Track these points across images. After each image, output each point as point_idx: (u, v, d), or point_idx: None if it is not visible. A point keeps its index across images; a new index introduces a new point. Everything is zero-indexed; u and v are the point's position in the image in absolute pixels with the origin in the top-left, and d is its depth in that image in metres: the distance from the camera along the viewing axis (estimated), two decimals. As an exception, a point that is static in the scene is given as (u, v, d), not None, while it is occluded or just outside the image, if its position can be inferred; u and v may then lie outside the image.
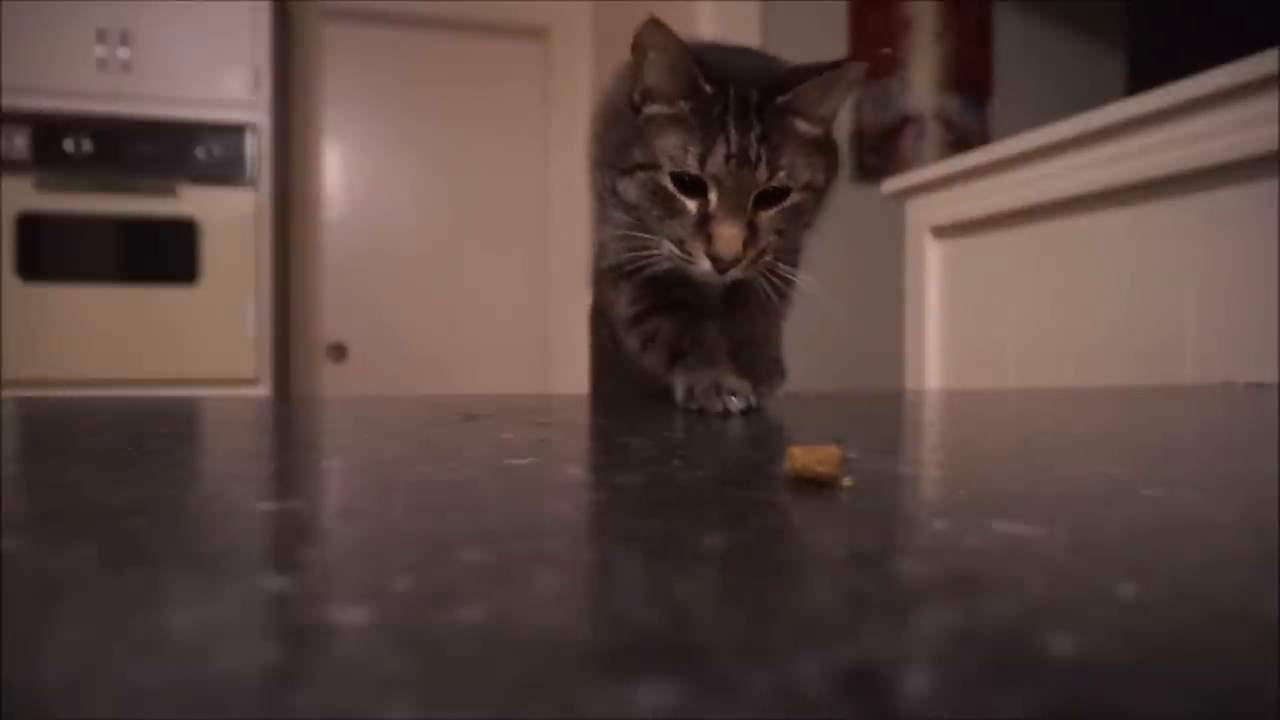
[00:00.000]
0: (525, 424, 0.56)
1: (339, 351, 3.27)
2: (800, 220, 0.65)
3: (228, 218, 2.76)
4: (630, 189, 0.64)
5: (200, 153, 2.75)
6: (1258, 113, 1.23)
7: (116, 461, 0.39)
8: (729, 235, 0.61)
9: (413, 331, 3.29)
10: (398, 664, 0.15)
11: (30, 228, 2.62)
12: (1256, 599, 0.21)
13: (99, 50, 2.67)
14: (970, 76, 2.59)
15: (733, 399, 0.64)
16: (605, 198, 0.69)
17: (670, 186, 0.61)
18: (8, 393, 2.33)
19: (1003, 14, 2.64)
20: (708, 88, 0.60)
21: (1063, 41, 2.68)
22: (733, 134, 0.60)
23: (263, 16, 2.80)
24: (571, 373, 3.31)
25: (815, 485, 0.33)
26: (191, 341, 2.74)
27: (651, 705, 0.14)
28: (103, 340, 2.68)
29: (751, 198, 0.61)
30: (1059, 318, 1.57)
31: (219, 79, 2.78)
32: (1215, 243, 1.31)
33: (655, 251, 0.64)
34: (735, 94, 0.61)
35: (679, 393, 0.68)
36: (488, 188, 3.36)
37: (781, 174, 0.61)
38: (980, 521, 0.28)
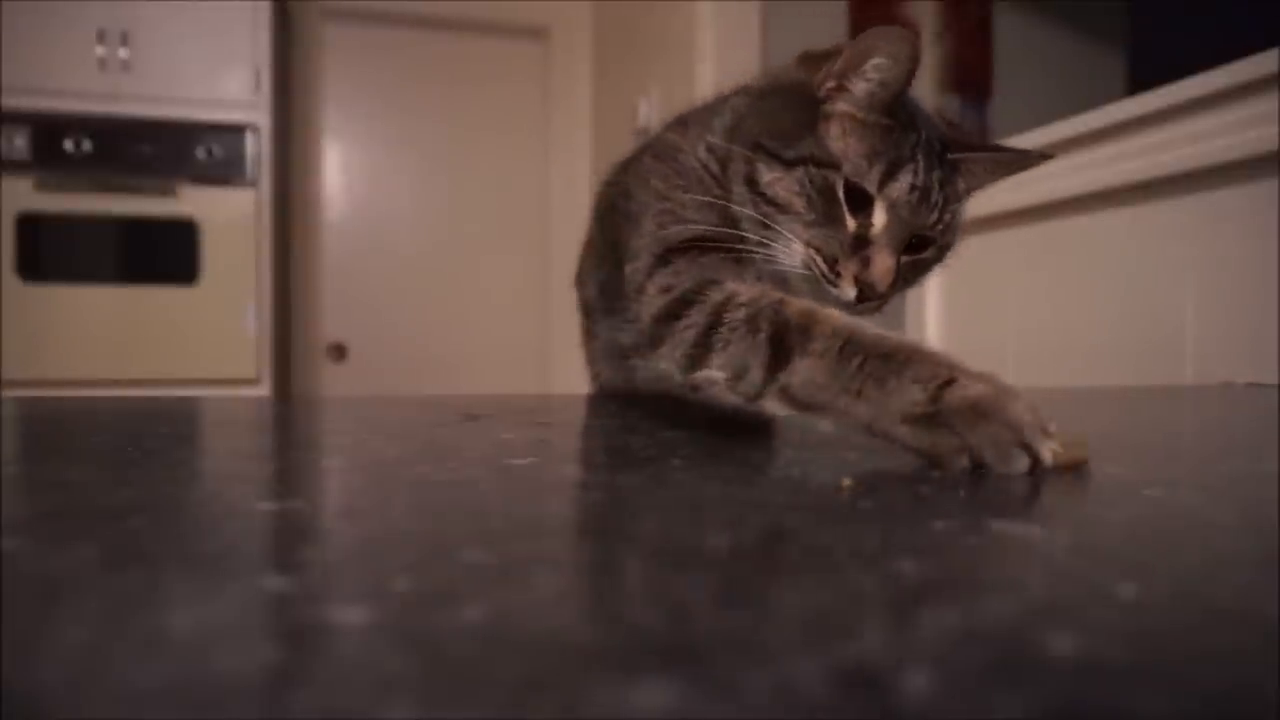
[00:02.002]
0: (525, 424, 0.56)
1: (339, 351, 3.27)
2: (916, 278, 0.61)
3: (228, 218, 2.76)
4: (784, 180, 0.57)
5: (200, 153, 2.75)
6: (1258, 113, 1.23)
7: (116, 461, 0.39)
8: (887, 266, 0.55)
9: (413, 331, 3.29)
10: (398, 664, 0.15)
11: (30, 228, 2.62)
12: (1256, 599, 0.21)
13: (99, 50, 2.67)
14: (970, 76, 2.59)
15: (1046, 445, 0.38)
16: (716, 164, 0.62)
17: (841, 193, 0.55)
18: (8, 393, 2.33)
19: (1003, 14, 2.64)
20: (905, 115, 0.58)
21: (1063, 41, 2.68)
22: (920, 166, 0.56)
23: (263, 16, 2.80)
24: (571, 373, 3.30)
25: (1066, 468, 0.37)
26: (191, 341, 2.74)
27: (651, 705, 0.14)
28: (103, 340, 2.68)
29: (910, 236, 0.57)
30: (1059, 317, 1.57)
31: (219, 79, 2.78)
32: (1215, 243, 1.31)
33: (773, 248, 0.57)
34: (925, 131, 0.58)
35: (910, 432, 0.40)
36: (488, 188, 3.36)
37: (942, 225, 0.58)
38: (980, 521, 0.28)
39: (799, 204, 0.56)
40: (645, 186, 0.67)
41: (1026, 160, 0.62)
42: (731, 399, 0.48)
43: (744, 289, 0.50)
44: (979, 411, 0.37)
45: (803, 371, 0.44)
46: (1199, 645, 0.18)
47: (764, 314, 0.47)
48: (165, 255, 2.73)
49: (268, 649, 0.17)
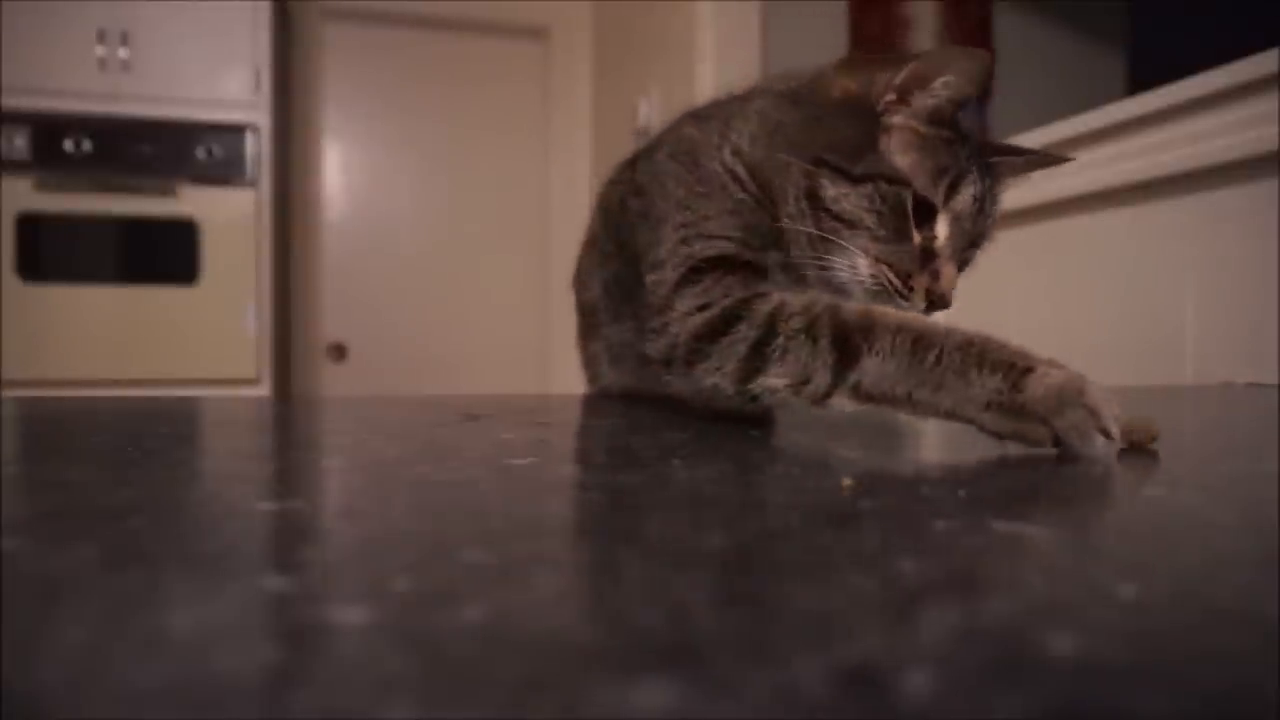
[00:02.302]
0: (525, 424, 0.56)
1: (339, 351, 3.27)
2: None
3: (228, 218, 2.76)
4: (851, 196, 0.56)
5: (200, 153, 2.75)
6: (1258, 113, 1.23)
7: (116, 461, 0.39)
8: (953, 277, 0.57)
9: (413, 331, 3.29)
10: (398, 664, 0.15)
11: (30, 228, 2.62)
12: (1256, 599, 0.21)
13: (99, 50, 2.67)
14: (970, 76, 2.59)
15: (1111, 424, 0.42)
16: (778, 183, 0.60)
17: (910, 209, 0.56)
18: (8, 393, 2.33)
19: (1003, 14, 2.64)
20: (958, 124, 0.58)
21: (1063, 41, 2.68)
22: (975, 176, 0.58)
23: (263, 16, 2.80)
24: (571, 373, 3.30)
25: (1135, 446, 0.43)
26: (191, 341, 2.74)
27: (651, 705, 0.14)
28: (103, 340, 2.68)
29: (968, 244, 0.59)
30: (1059, 317, 1.57)
31: (219, 79, 2.78)
32: (1215, 243, 1.31)
33: (833, 263, 0.57)
34: (971, 138, 0.59)
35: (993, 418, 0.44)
36: (488, 188, 3.36)
37: (989, 228, 0.60)
38: (980, 521, 0.28)
39: (869, 220, 0.56)
40: (663, 190, 0.66)
41: (1046, 161, 0.64)
42: (796, 403, 0.51)
43: (792, 298, 0.53)
44: (1062, 399, 0.42)
45: (874, 368, 0.47)
46: (1199, 645, 0.18)
47: (821, 319, 0.50)
48: (165, 255, 2.73)
49: (268, 649, 0.17)
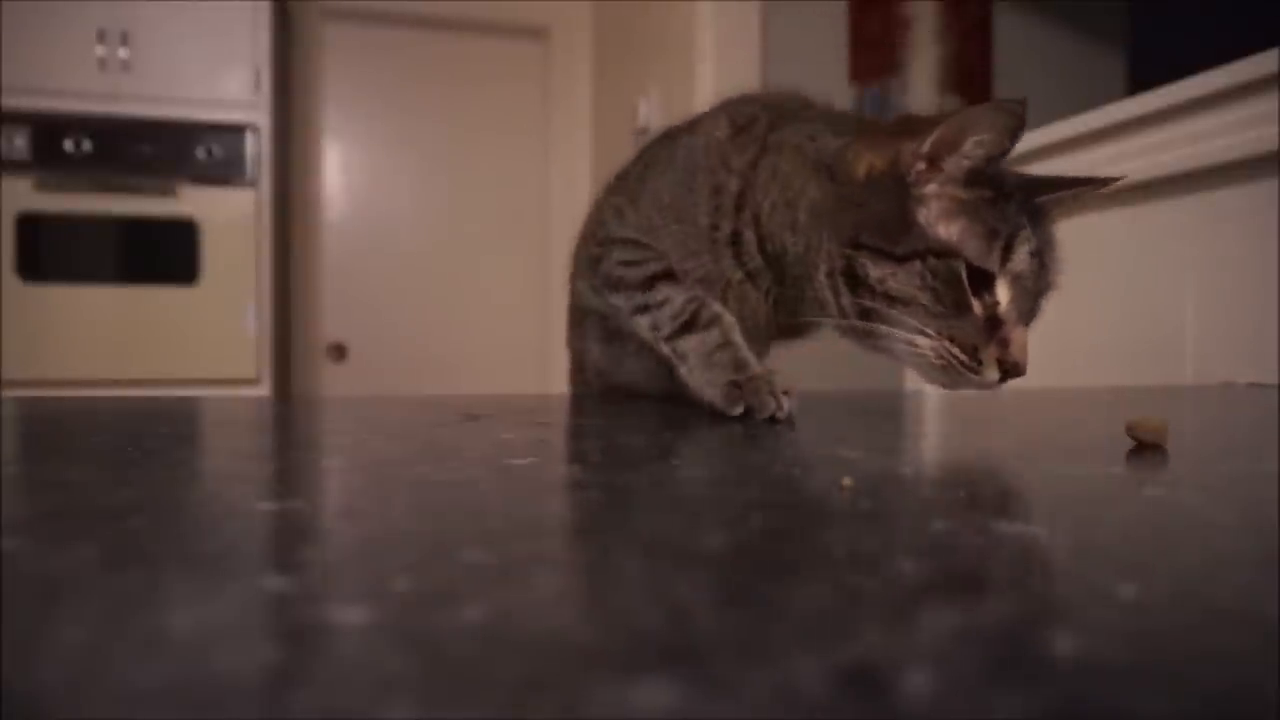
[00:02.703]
0: (525, 424, 0.56)
1: (339, 351, 3.27)
2: None
3: (228, 218, 2.76)
4: (899, 275, 0.55)
5: (200, 153, 2.75)
6: (1258, 113, 1.23)
7: (116, 461, 0.39)
8: (1024, 342, 0.54)
9: (413, 331, 3.29)
10: (398, 664, 0.15)
11: (30, 228, 2.62)
12: (1256, 599, 0.21)
13: (99, 50, 2.67)
14: (970, 76, 2.59)
15: (785, 398, 0.58)
16: (821, 272, 0.59)
17: (965, 280, 0.54)
18: (8, 393, 2.33)
19: (1003, 14, 2.64)
20: (999, 176, 0.56)
21: (1063, 41, 2.68)
22: (1030, 230, 0.55)
23: (263, 16, 2.80)
24: (571, 373, 3.30)
25: (1145, 446, 0.46)
26: (191, 341, 2.74)
27: (651, 705, 0.14)
28: (103, 340, 2.68)
29: (1036, 301, 0.56)
30: (1059, 317, 1.57)
31: (219, 79, 2.78)
32: (1215, 243, 1.31)
33: (885, 340, 0.56)
34: (1015, 185, 0.56)
35: (714, 392, 0.61)
36: (488, 188, 3.36)
37: (1057, 279, 0.57)
38: (980, 521, 0.28)
39: (923, 297, 0.54)
40: (667, 178, 0.68)
41: (1095, 185, 0.61)
42: (648, 336, 0.67)
43: (683, 294, 0.65)
44: (757, 386, 0.58)
45: (689, 344, 0.63)
46: (1199, 645, 0.18)
47: (687, 310, 0.64)
48: (165, 255, 2.73)
49: (268, 649, 0.17)
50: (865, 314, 0.57)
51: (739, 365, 0.62)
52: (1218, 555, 0.26)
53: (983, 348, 0.54)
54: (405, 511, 0.29)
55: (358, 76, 3.28)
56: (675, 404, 0.70)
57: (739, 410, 0.59)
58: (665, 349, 0.66)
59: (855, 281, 0.57)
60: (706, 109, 0.73)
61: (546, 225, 3.36)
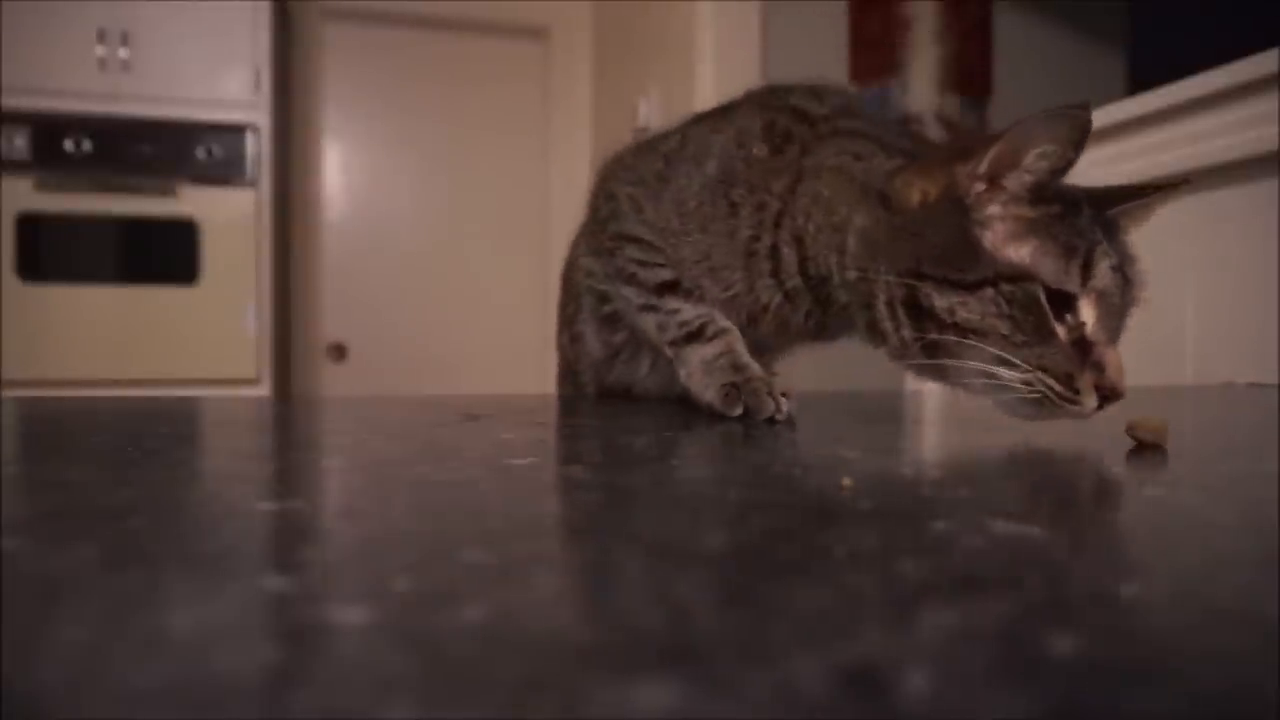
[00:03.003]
0: (525, 424, 0.56)
1: (339, 351, 3.27)
2: None
3: (228, 218, 2.76)
4: (970, 304, 0.51)
5: (200, 153, 2.75)
6: (1258, 113, 1.23)
7: (116, 461, 0.39)
8: (1118, 362, 0.50)
9: (413, 331, 3.29)
10: (398, 664, 0.15)
11: (30, 228, 2.62)
12: (1256, 599, 0.21)
13: (99, 50, 2.67)
14: (970, 76, 2.59)
15: (783, 400, 0.58)
16: (881, 301, 0.56)
17: (1045, 304, 0.50)
18: (8, 393, 2.33)
19: (1003, 14, 2.64)
20: (1064, 191, 0.53)
21: (1063, 41, 2.68)
22: (1107, 243, 0.51)
23: (263, 16, 2.80)
24: (571, 373, 3.30)
25: (1145, 446, 0.47)
26: (191, 341, 2.74)
27: (651, 705, 0.14)
28: (103, 340, 2.67)
29: (1123, 318, 0.53)
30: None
31: (219, 79, 2.78)
32: (1215, 243, 1.31)
33: (960, 369, 0.52)
34: (1084, 201, 0.53)
35: (713, 394, 0.61)
36: (488, 188, 3.36)
37: (1140, 293, 0.53)
38: (980, 521, 0.28)
39: (1002, 326, 0.50)
40: (692, 172, 0.66)
41: (1168, 193, 0.57)
42: (652, 335, 0.68)
43: (693, 308, 0.66)
44: (754, 388, 0.59)
45: (690, 355, 0.64)
46: (1199, 645, 0.18)
47: (695, 322, 0.65)
48: (165, 255, 2.73)
49: (268, 649, 0.16)
50: (931, 347, 0.53)
51: (738, 368, 0.62)
52: (1218, 555, 0.26)
53: (1078, 375, 0.50)
54: (405, 511, 0.29)
55: (358, 76, 3.28)
56: (675, 405, 0.70)
57: (737, 411, 0.59)
58: (669, 351, 0.66)
59: (919, 312, 0.53)
60: (734, 107, 0.69)
61: (546, 225, 3.36)
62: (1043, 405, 0.50)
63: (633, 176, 0.70)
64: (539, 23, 3.36)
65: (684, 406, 0.68)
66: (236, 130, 2.77)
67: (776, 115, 0.65)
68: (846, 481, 0.34)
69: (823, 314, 0.63)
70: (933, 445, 0.57)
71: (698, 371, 0.63)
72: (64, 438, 0.51)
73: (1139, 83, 1.73)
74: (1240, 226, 1.27)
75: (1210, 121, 1.30)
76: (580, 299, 0.80)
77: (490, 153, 3.36)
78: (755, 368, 0.63)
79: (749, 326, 0.66)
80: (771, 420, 0.58)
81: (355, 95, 3.28)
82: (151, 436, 0.49)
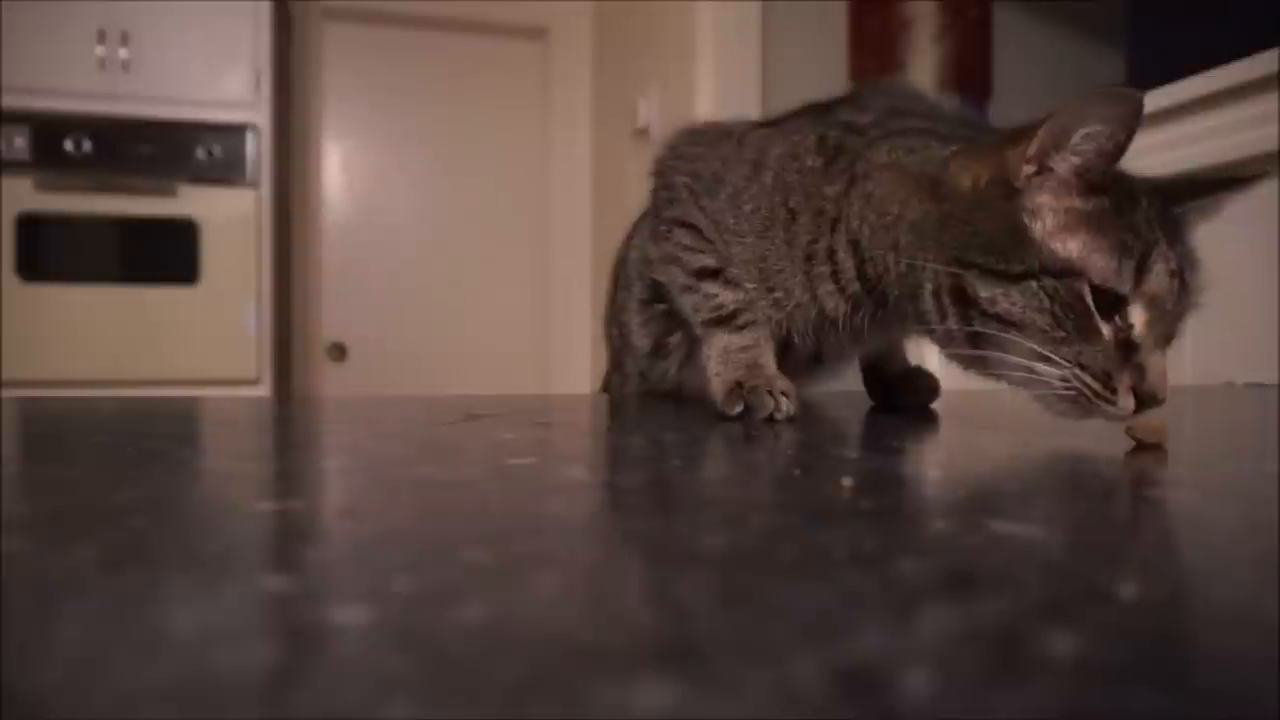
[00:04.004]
0: (525, 424, 0.56)
1: (339, 351, 3.27)
2: None
3: (228, 218, 2.76)
4: (1012, 296, 0.50)
5: (200, 153, 2.74)
6: (1258, 113, 1.23)
7: (116, 461, 0.39)
8: (1162, 369, 0.49)
9: (413, 331, 3.29)
10: (398, 664, 0.15)
11: (30, 228, 2.62)
12: (1256, 599, 0.21)
13: (99, 50, 2.67)
14: (970, 76, 2.59)
15: (784, 399, 0.59)
16: (926, 294, 0.55)
17: (1090, 302, 0.48)
18: (8, 393, 2.33)
19: (1003, 14, 2.64)
20: (1120, 182, 0.51)
21: (1063, 41, 2.68)
22: (1165, 244, 0.49)
23: (263, 16, 2.79)
24: (571, 373, 3.30)
25: (1144, 446, 0.47)
26: (191, 341, 2.73)
27: (651, 705, 0.14)
28: (103, 340, 2.67)
29: (1176, 326, 0.51)
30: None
31: (219, 79, 2.78)
32: (1215, 243, 1.30)
33: (1000, 362, 0.51)
34: (1142, 191, 0.51)
35: (717, 386, 0.62)
36: (488, 188, 3.36)
37: (1197, 298, 0.51)
38: (980, 521, 0.28)
39: (1042, 321, 0.49)
40: (749, 178, 0.66)
41: (1240, 187, 0.56)
42: (690, 313, 0.69)
43: (733, 294, 0.66)
44: (757, 387, 0.59)
45: (717, 340, 0.65)
46: (1199, 645, 0.18)
47: (728, 308, 0.66)
48: (165, 255, 2.73)
49: (268, 649, 0.16)
50: (975, 338, 0.52)
51: (752, 366, 0.62)
52: (1218, 555, 0.26)
53: (1117, 374, 0.48)
54: (405, 511, 0.29)
55: (358, 76, 3.27)
56: (679, 405, 0.70)
57: (738, 410, 0.59)
58: (699, 330, 0.68)
59: (964, 302, 0.52)
60: (786, 121, 0.69)
61: (546, 225, 3.36)
62: (1078, 404, 0.49)
63: (691, 169, 0.70)
64: (539, 23, 3.36)
65: (685, 408, 0.68)
66: (236, 130, 2.77)
67: (827, 129, 0.64)
68: (846, 481, 0.34)
69: (884, 314, 0.62)
70: (933, 445, 0.57)
71: (715, 359, 0.64)
72: (64, 438, 0.51)
73: (1139, 83, 1.73)
74: (1240, 226, 1.27)
75: (1210, 121, 1.30)
76: (630, 289, 0.80)
77: (490, 153, 3.36)
78: (770, 369, 0.63)
79: (813, 338, 0.65)
80: (771, 419, 0.58)
81: (355, 95, 3.28)
82: (151, 436, 0.49)
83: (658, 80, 2.65)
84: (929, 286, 0.54)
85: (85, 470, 0.37)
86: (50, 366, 2.61)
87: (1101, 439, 0.50)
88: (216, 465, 0.42)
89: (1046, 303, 0.49)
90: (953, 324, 0.53)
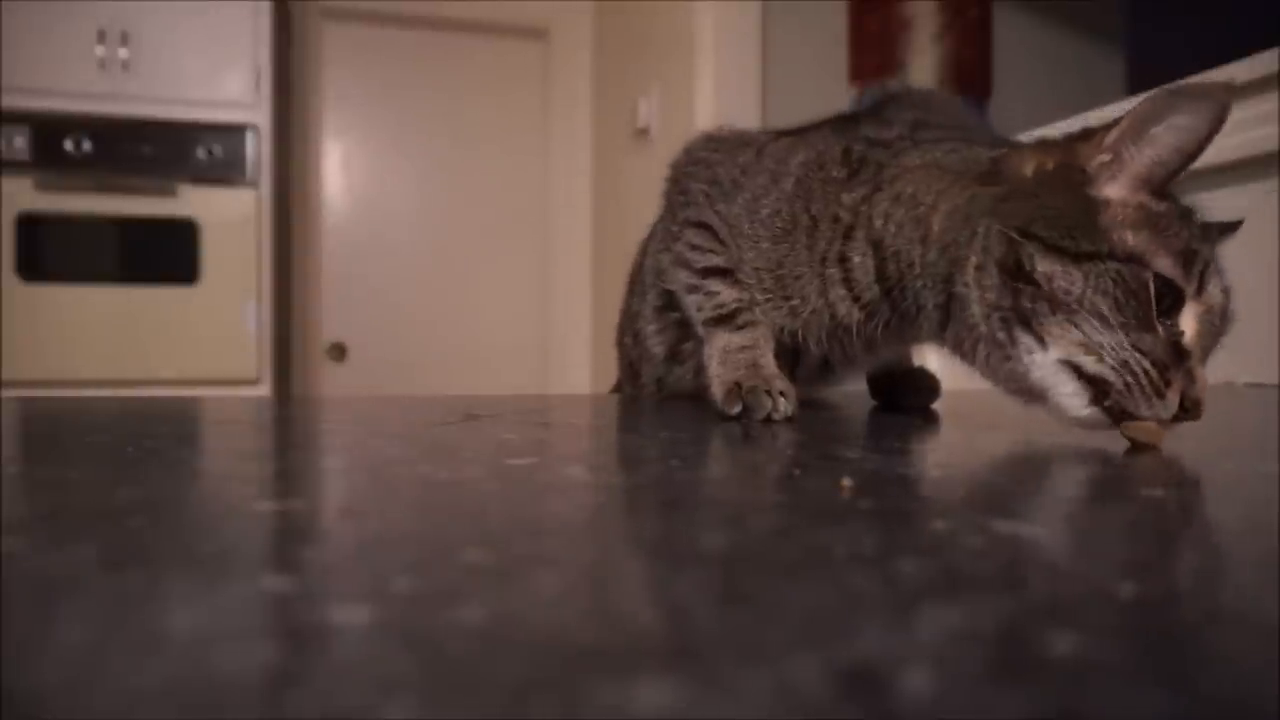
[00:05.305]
0: (525, 424, 0.56)
1: (339, 351, 3.27)
2: None
3: (228, 218, 2.76)
4: (1071, 275, 0.48)
5: (200, 153, 2.75)
6: (1258, 113, 1.23)
7: (116, 461, 0.39)
8: (1206, 383, 0.48)
9: (413, 331, 3.29)
10: (398, 664, 0.15)
11: (30, 228, 2.62)
12: (1256, 599, 0.21)
13: (99, 50, 2.67)
14: (970, 76, 2.59)
15: (782, 400, 0.58)
16: (980, 257, 0.52)
17: (1154, 292, 0.47)
18: (8, 393, 2.33)
19: (1003, 14, 2.64)
20: (1176, 198, 0.50)
21: (1063, 41, 2.68)
22: (1217, 264, 0.49)
23: (263, 17, 2.79)
24: (571, 373, 3.30)
25: (1140, 446, 0.46)
26: (192, 341, 2.73)
27: (651, 705, 0.14)
28: (103, 340, 2.67)
29: (1214, 347, 0.50)
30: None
31: (219, 79, 2.78)
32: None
33: (1023, 346, 0.50)
34: (1198, 213, 0.50)
35: (717, 387, 0.62)
36: (488, 188, 3.36)
37: (1229, 329, 0.51)
38: (980, 521, 0.28)
39: (1104, 303, 0.47)
40: (767, 186, 0.66)
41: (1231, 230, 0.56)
42: (693, 312, 0.69)
43: (736, 294, 0.67)
44: (755, 388, 0.59)
45: (719, 338, 0.65)
46: (1199, 645, 0.18)
47: (730, 306, 0.66)
48: (165, 255, 2.73)
49: (268, 649, 0.16)
50: (1011, 321, 0.50)
51: (751, 366, 0.62)
52: (1218, 555, 0.26)
53: (1173, 370, 0.46)
54: (405, 511, 0.29)
55: (358, 76, 3.28)
56: (679, 405, 0.70)
57: (736, 410, 0.59)
58: (700, 330, 0.68)
59: (1013, 275, 0.49)
60: (811, 131, 0.69)
61: (546, 225, 3.36)
62: (1121, 399, 0.47)
63: (709, 175, 0.71)
64: (539, 23, 3.36)
65: (687, 408, 0.68)
66: (236, 130, 2.77)
67: (852, 143, 0.64)
68: (846, 481, 0.34)
69: (899, 322, 0.61)
70: (933, 445, 0.57)
71: (715, 359, 0.64)
72: (64, 438, 0.51)
73: (1138, 83, 1.73)
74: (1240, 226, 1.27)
75: (1210, 121, 1.30)
76: (645, 296, 0.80)
77: (490, 153, 3.36)
78: (769, 369, 0.63)
79: (826, 346, 0.65)
80: (769, 419, 0.58)
81: (355, 95, 3.28)
82: (151, 436, 0.49)
83: (658, 80, 2.65)
84: (973, 260, 0.52)
85: (85, 470, 0.37)
86: (50, 366, 2.61)
87: (1102, 439, 0.50)
88: (216, 465, 0.42)
89: (1110, 285, 0.47)
90: (992, 296, 0.51)
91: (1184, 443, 0.49)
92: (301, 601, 0.19)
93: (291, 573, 0.22)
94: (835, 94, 2.32)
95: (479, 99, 3.35)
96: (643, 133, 2.73)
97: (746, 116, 2.15)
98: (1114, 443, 0.48)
